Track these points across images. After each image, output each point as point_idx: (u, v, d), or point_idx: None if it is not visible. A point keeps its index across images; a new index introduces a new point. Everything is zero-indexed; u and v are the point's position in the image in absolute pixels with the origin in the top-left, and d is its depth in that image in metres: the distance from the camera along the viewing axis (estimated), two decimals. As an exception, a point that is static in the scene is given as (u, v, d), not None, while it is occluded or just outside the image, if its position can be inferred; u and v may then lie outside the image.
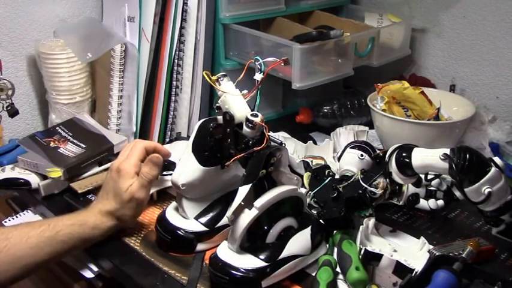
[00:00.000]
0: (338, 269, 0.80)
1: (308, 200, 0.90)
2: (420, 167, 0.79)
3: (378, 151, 0.94)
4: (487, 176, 0.74)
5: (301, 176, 0.96)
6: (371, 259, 0.77)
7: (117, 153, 0.93)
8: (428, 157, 0.78)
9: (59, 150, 1.09)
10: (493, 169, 0.74)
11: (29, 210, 1.06)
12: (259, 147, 0.76)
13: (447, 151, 0.76)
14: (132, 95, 1.20)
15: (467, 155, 0.74)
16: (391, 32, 1.31)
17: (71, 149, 1.10)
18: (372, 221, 0.85)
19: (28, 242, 0.79)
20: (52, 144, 1.10)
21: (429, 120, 1.11)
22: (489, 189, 0.74)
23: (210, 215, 0.87)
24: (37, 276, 1.00)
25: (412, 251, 0.83)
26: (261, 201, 0.76)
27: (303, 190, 0.87)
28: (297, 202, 0.84)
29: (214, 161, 0.84)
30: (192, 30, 1.20)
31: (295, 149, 1.13)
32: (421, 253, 0.80)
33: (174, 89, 1.23)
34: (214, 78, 0.80)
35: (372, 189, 0.83)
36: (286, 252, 0.79)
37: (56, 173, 1.02)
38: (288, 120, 1.36)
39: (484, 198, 0.74)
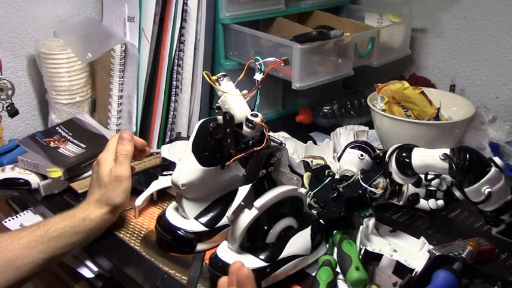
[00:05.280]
0: (338, 269, 0.80)
1: (308, 200, 0.90)
2: (420, 167, 0.79)
3: (377, 151, 0.94)
4: (487, 176, 0.74)
5: (301, 176, 0.96)
6: (371, 259, 0.77)
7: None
8: (428, 157, 0.78)
9: (59, 150, 1.09)
10: (493, 169, 0.74)
11: (29, 210, 1.06)
12: (259, 147, 0.76)
13: (447, 151, 0.76)
14: (132, 95, 1.21)
15: (467, 155, 0.74)
16: (391, 32, 1.31)
17: (71, 149, 1.10)
18: (372, 221, 0.85)
19: (19, 243, 0.79)
20: (52, 144, 1.10)
21: (429, 120, 1.11)
22: (489, 189, 0.74)
23: (210, 215, 0.88)
24: (37, 276, 1.00)
25: (412, 251, 0.83)
26: (261, 201, 0.76)
27: (303, 190, 0.87)
28: (297, 202, 0.84)
29: (214, 161, 0.84)
30: (192, 30, 1.20)
31: (295, 149, 1.13)
32: (421, 253, 0.80)
33: (174, 89, 1.23)
34: (214, 78, 0.80)
35: (372, 189, 0.83)
36: (286, 252, 0.79)
37: (56, 173, 1.02)
38: (288, 120, 1.36)
39: (484, 198, 0.74)
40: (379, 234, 0.88)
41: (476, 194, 0.75)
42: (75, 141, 1.13)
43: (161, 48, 1.20)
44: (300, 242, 0.81)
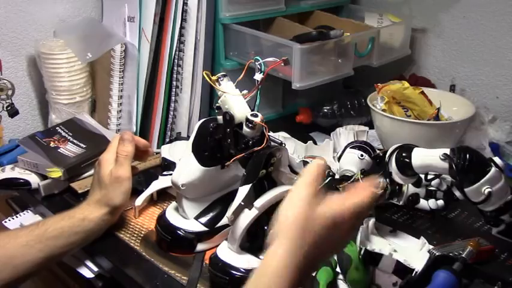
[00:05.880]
0: (338, 269, 0.80)
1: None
2: (420, 167, 0.79)
3: (377, 151, 0.93)
4: (487, 176, 0.74)
5: (301, 176, 0.96)
6: (371, 259, 0.77)
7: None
8: (428, 157, 0.78)
9: (59, 150, 1.09)
10: (493, 169, 0.74)
11: (29, 210, 1.06)
12: (259, 147, 0.76)
13: (447, 151, 0.76)
14: (132, 95, 1.21)
15: (467, 155, 0.74)
16: (391, 32, 1.31)
17: (71, 149, 1.10)
18: (372, 221, 0.85)
19: (18, 242, 0.79)
20: (52, 144, 1.10)
21: (429, 120, 1.11)
22: (489, 189, 0.74)
23: (210, 215, 0.88)
24: (37, 276, 1.00)
25: (412, 251, 0.82)
26: (261, 201, 0.76)
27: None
28: (297, 202, 0.84)
29: (214, 161, 0.84)
30: (192, 30, 1.20)
31: (295, 149, 1.13)
32: (421, 253, 0.80)
33: (174, 89, 1.23)
34: (214, 78, 0.80)
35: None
36: (286, 252, 0.79)
37: (56, 173, 1.02)
38: (288, 120, 1.36)
39: (484, 198, 0.74)
40: (379, 234, 0.88)
41: (476, 194, 0.75)
42: (75, 141, 1.13)
43: (161, 48, 1.20)
44: (300, 242, 0.81)
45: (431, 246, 0.80)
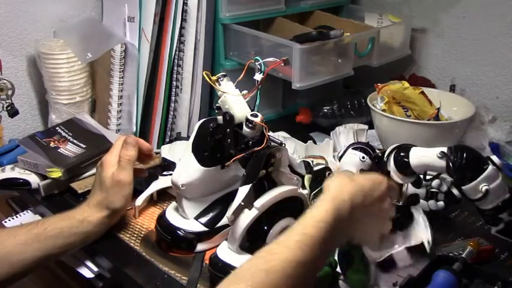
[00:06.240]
0: (338, 269, 0.80)
1: (309, 202, 0.90)
2: (418, 166, 0.79)
3: (377, 151, 0.93)
4: (484, 174, 0.74)
5: (302, 176, 0.96)
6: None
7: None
8: (426, 156, 0.78)
9: (59, 150, 1.09)
10: (490, 167, 0.74)
11: (29, 210, 1.06)
12: (259, 148, 0.76)
13: (444, 149, 0.76)
14: (132, 95, 1.21)
15: (464, 153, 0.74)
16: (391, 32, 1.31)
17: (71, 149, 1.10)
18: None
19: (16, 239, 0.79)
20: (52, 144, 1.10)
21: (429, 120, 1.11)
22: (486, 187, 0.74)
23: (210, 215, 0.88)
24: (37, 276, 1.00)
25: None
26: (261, 201, 0.76)
27: (304, 191, 0.87)
28: (297, 202, 0.84)
29: (214, 161, 0.84)
30: (192, 30, 1.20)
31: (295, 149, 1.13)
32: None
33: (174, 89, 1.23)
34: (214, 78, 0.80)
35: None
36: (286, 252, 0.79)
37: (56, 173, 1.02)
38: (288, 120, 1.36)
39: (482, 195, 0.74)
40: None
41: (473, 192, 0.75)
42: (75, 141, 1.13)
43: (161, 48, 1.20)
44: (300, 242, 0.81)
45: (431, 246, 0.80)
